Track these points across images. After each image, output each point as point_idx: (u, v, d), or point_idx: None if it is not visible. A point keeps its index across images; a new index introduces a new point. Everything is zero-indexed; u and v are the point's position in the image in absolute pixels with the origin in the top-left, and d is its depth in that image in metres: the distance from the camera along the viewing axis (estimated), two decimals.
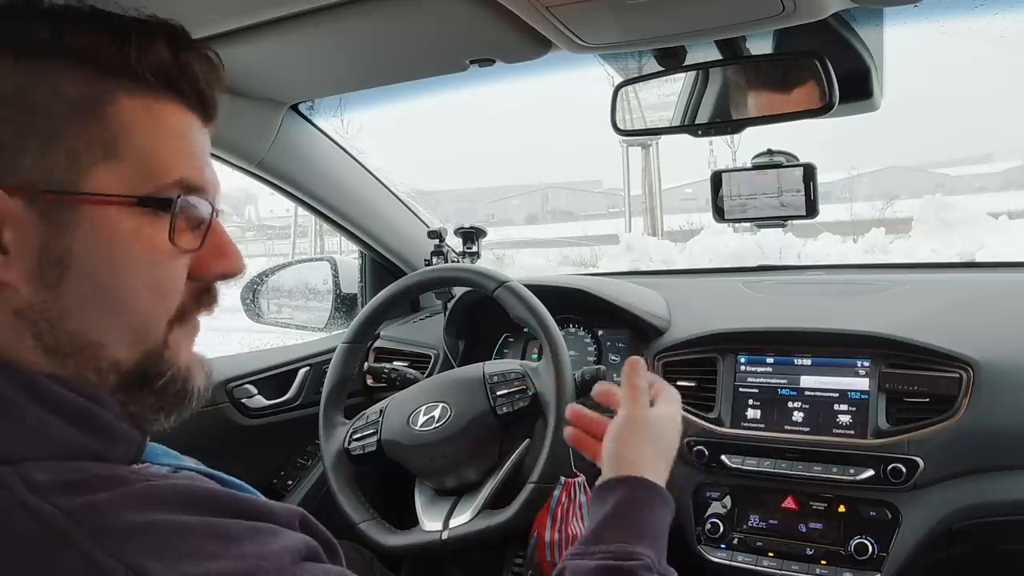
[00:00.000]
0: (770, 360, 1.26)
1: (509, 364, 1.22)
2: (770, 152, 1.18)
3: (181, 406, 0.54)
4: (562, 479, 1.15)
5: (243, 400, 1.47)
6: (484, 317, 1.54)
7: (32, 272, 0.47)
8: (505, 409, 1.15)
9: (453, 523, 1.13)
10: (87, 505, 0.42)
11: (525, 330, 1.49)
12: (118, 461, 0.49)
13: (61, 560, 0.40)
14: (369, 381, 1.54)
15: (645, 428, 0.81)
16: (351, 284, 1.80)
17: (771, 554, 1.18)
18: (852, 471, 1.14)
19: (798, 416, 1.21)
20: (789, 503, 1.19)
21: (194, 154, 0.53)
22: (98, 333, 0.49)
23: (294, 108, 1.40)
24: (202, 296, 0.56)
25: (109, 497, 0.43)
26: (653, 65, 1.11)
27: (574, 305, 1.47)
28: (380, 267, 1.78)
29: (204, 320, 0.58)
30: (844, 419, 1.18)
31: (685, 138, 1.18)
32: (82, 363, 0.49)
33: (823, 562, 1.14)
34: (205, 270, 0.55)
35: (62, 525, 0.41)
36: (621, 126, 1.16)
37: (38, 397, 0.46)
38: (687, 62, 1.10)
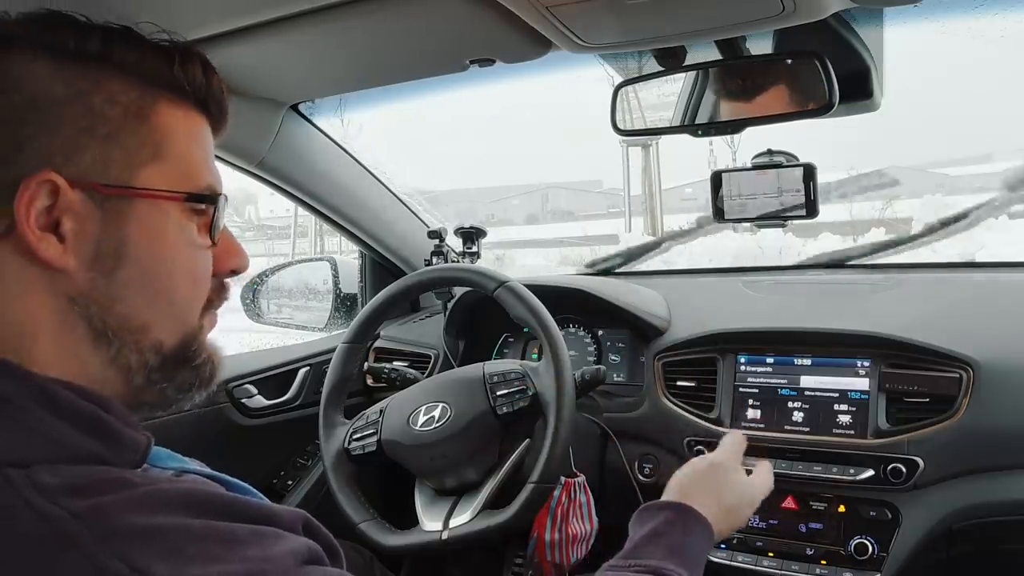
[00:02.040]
0: (770, 360, 1.26)
1: (509, 364, 1.22)
2: (770, 152, 1.18)
3: (210, 384, 0.59)
4: (562, 479, 1.15)
5: (243, 400, 1.47)
6: (484, 317, 1.54)
7: (89, 259, 0.51)
8: (505, 409, 1.15)
9: (453, 523, 1.13)
10: (93, 507, 0.43)
11: (525, 330, 1.49)
12: (123, 465, 0.50)
13: (66, 561, 0.41)
14: (369, 381, 1.54)
15: (723, 479, 0.88)
16: (351, 284, 1.79)
17: (771, 554, 1.18)
18: (852, 471, 1.14)
19: (798, 416, 1.21)
20: (789, 503, 1.19)
21: (213, 162, 0.59)
22: (145, 316, 0.53)
23: (294, 108, 1.40)
24: (219, 290, 0.61)
25: (115, 500, 0.44)
26: (653, 65, 1.11)
27: (574, 305, 1.47)
28: (380, 267, 1.78)
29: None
30: (844, 419, 1.18)
31: (685, 138, 1.18)
32: (126, 345, 0.53)
33: (823, 562, 1.14)
34: (219, 266, 0.59)
35: (68, 527, 0.42)
36: (621, 126, 1.16)
37: (49, 403, 0.47)
38: (687, 62, 1.10)
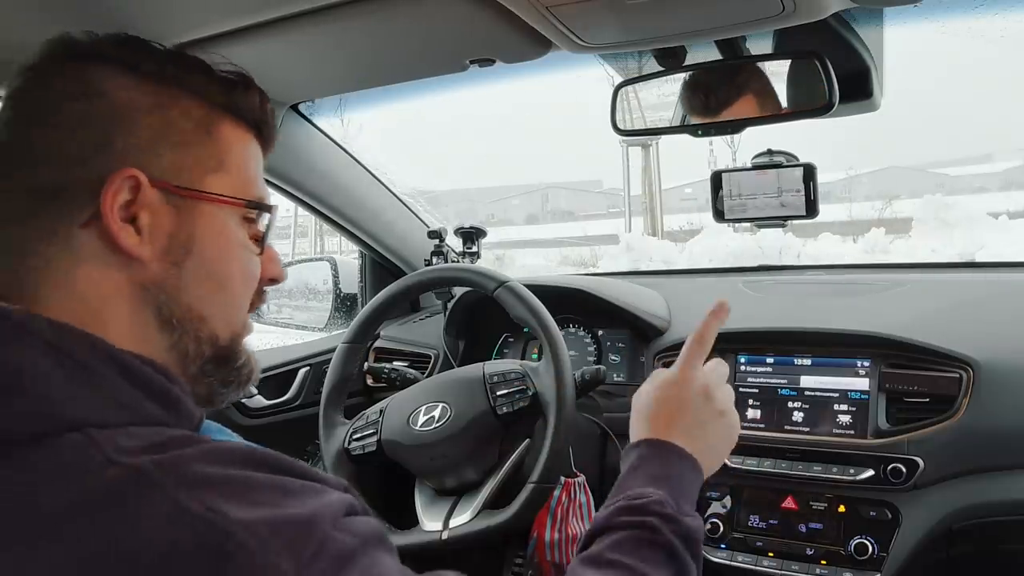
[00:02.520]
0: (770, 360, 1.26)
1: (509, 364, 1.22)
2: (770, 152, 1.18)
3: (247, 385, 0.65)
4: (562, 479, 1.16)
5: (243, 400, 1.47)
6: (484, 317, 1.54)
7: (162, 251, 0.57)
8: (505, 409, 1.15)
9: (453, 523, 1.13)
10: (173, 458, 0.48)
11: (525, 330, 1.49)
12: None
13: (150, 503, 0.46)
14: (369, 381, 1.54)
15: (691, 398, 0.77)
16: (351, 284, 1.80)
17: (771, 554, 1.18)
18: (852, 471, 1.14)
19: (798, 416, 1.21)
20: (789, 503, 1.19)
21: (263, 179, 0.66)
22: (205, 308, 0.60)
23: (294, 108, 1.40)
24: (259, 295, 0.67)
25: (189, 452, 0.49)
26: (653, 65, 1.11)
27: (574, 305, 1.47)
28: (380, 267, 1.78)
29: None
30: (844, 419, 1.18)
31: (685, 138, 1.18)
32: (187, 333, 0.59)
33: (823, 562, 1.14)
34: (262, 273, 0.66)
35: (152, 475, 0.47)
36: (621, 126, 1.16)
37: (124, 371, 0.53)
38: (687, 62, 1.10)
